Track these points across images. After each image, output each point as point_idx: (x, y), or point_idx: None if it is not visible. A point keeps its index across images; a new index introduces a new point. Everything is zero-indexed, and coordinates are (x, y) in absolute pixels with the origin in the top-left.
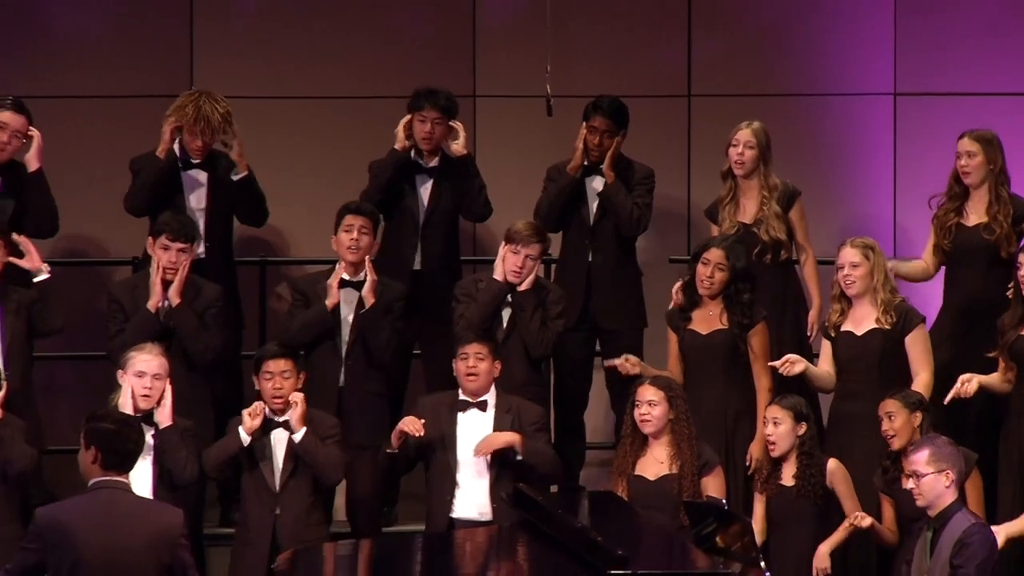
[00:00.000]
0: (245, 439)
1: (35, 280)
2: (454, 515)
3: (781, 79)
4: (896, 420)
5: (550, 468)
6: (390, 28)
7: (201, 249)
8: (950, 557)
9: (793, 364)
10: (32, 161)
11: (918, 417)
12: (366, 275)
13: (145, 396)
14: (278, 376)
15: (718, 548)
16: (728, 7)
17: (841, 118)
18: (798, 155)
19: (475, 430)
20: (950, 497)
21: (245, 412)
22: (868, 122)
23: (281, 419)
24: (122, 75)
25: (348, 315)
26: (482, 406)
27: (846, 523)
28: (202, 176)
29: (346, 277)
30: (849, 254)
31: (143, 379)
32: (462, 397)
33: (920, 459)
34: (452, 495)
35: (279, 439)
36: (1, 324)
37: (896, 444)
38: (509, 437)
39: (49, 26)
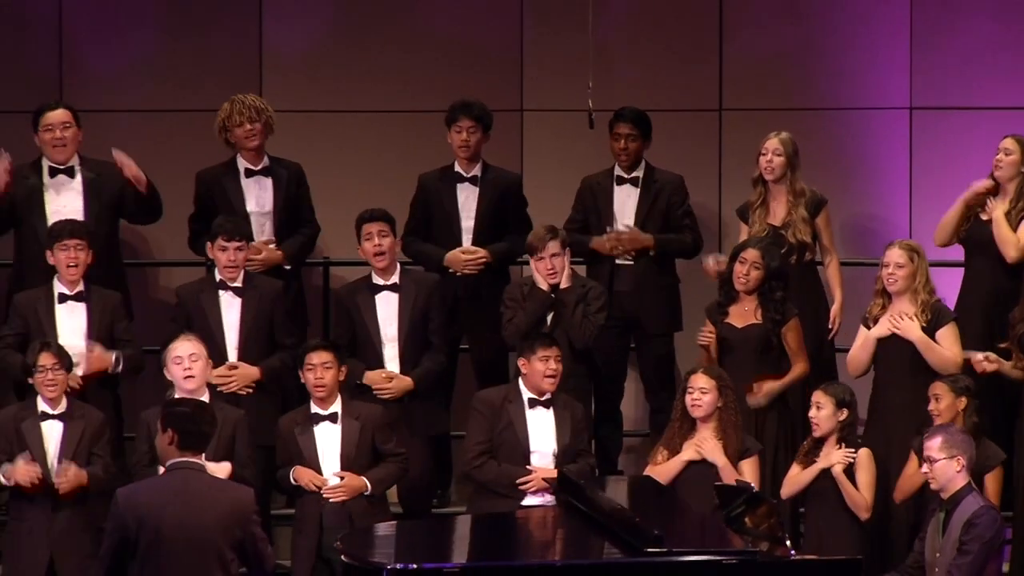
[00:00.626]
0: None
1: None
2: (524, 502)
3: (806, 94)
4: (942, 402)
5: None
6: (442, 46)
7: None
8: (960, 536)
9: (991, 363)
10: (140, 182)
11: (963, 401)
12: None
13: (189, 377)
14: (320, 367)
15: (747, 528)
16: (756, 27)
17: (860, 131)
18: (821, 165)
19: (544, 427)
20: (961, 481)
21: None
22: (886, 135)
23: (327, 412)
24: (194, 90)
25: (392, 314)
26: (547, 404)
27: (824, 462)
28: (265, 182)
29: (380, 282)
30: (895, 255)
31: (181, 364)
32: (529, 395)
33: (934, 445)
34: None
35: (325, 431)
36: (88, 319)
37: (939, 423)
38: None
39: (125, 43)
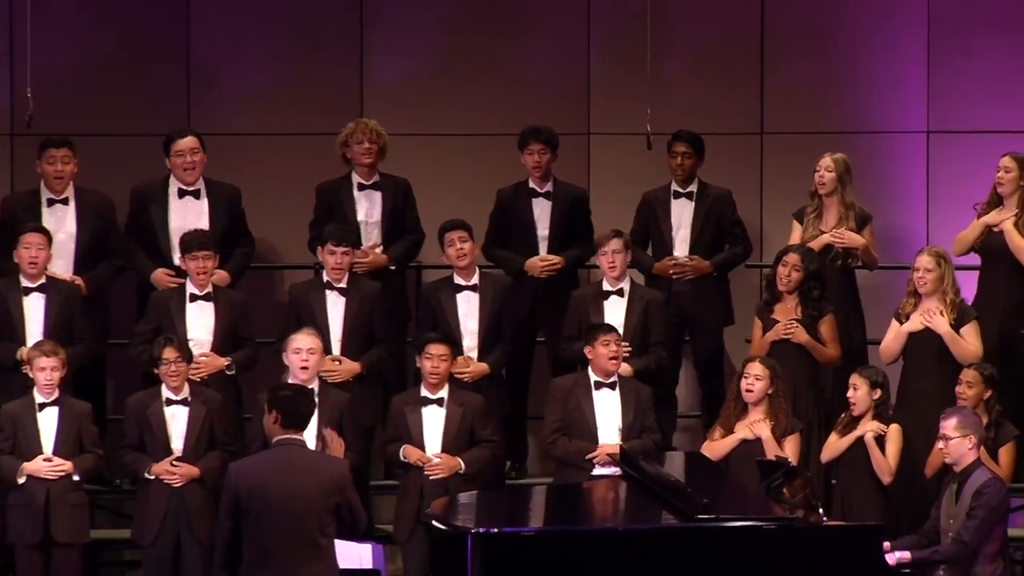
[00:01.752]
0: None
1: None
2: (594, 473)
3: (836, 118)
4: (972, 389)
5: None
6: (519, 78)
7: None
8: (969, 503)
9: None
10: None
11: (989, 391)
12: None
13: (304, 368)
14: (436, 357)
15: (785, 498)
16: (793, 59)
17: (882, 152)
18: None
19: (610, 406)
20: (972, 457)
21: None
22: (904, 155)
23: (435, 396)
24: (304, 115)
25: (472, 310)
26: (613, 386)
27: (858, 432)
28: (375, 195)
29: (461, 283)
30: (924, 260)
31: (299, 355)
32: (596, 378)
33: (949, 425)
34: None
35: (432, 413)
36: (215, 316)
37: (961, 405)
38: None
39: (245, 73)
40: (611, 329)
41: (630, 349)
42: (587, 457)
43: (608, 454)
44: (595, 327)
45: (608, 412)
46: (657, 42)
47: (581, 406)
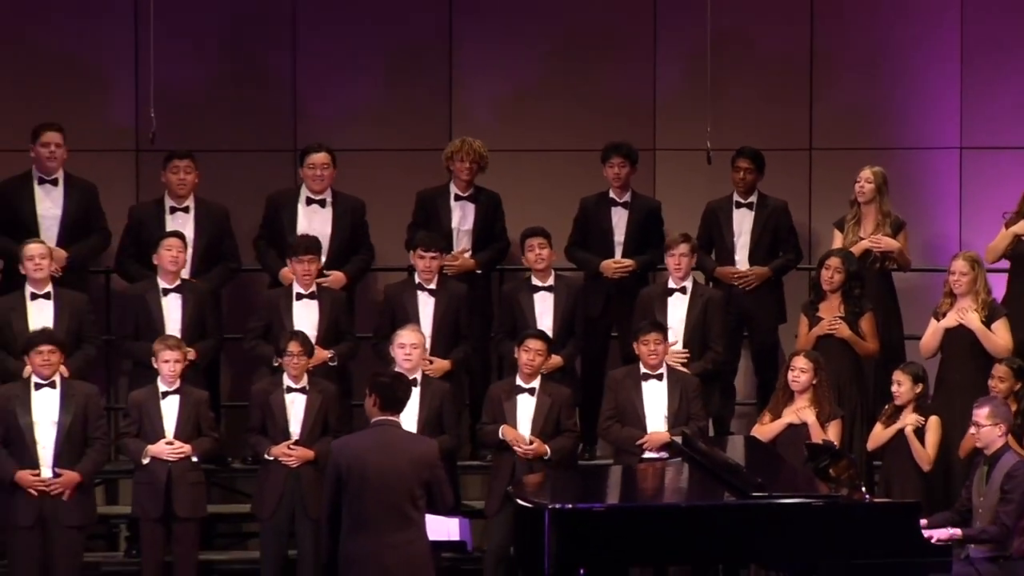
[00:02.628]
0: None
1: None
2: (644, 456)
3: (879, 135)
4: (1004, 382)
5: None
6: (594, 98)
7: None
8: (1001, 484)
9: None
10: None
11: (1019, 384)
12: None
13: (407, 360)
14: (534, 351)
15: (831, 477)
16: (839, 81)
17: (919, 166)
18: (893, 193)
19: (657, 396)
20: (1001, 442)
21: None
22: (938, 171)
23: (528, 386)
24: (397, 132)
25: (548, 308)
26: (660, 377)
27: (899, 425)
28: (469, 206)
29: (539, 284)
30: (960, 264)
31: (404, 349)
32: (644, 371)
33: (982, 414)
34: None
35: (524, 401)
36: (319, 313)
37: (993, 395)
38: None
39: (343, 94)
40: (653, 329)
41: (687, 353)
42: (638, 443)
43: (656, 439)
44: (640, 327)
45: (655, 401)
46: (717, 67)
47: (631, 396)
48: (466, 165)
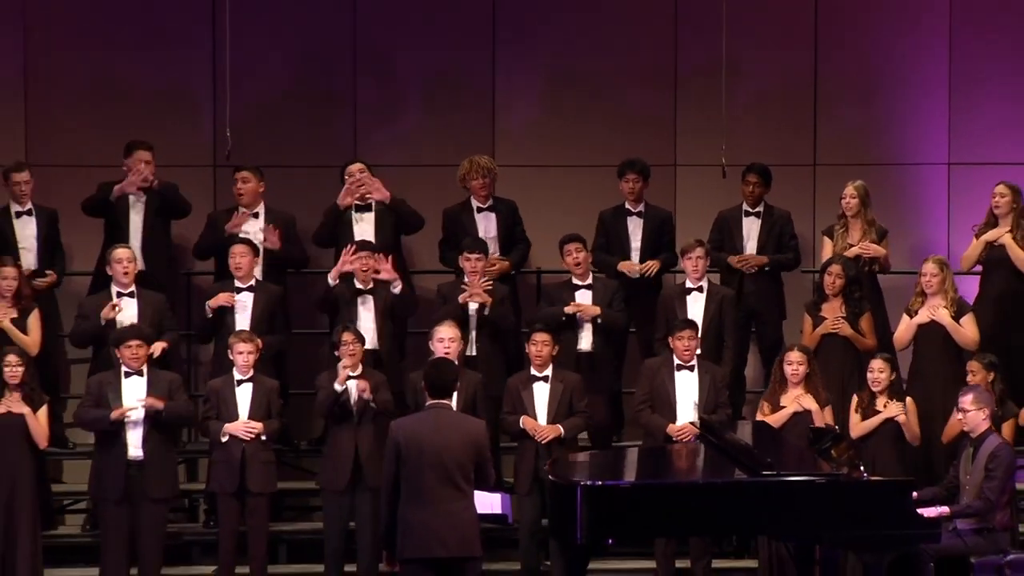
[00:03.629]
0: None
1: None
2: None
3: (876, 151)
4: (976, 376)
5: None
6: (617, 118)
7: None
8: (985, 463)
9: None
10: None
11: (991, 374)
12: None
13: (446, 353)
14: (540, 344)
15: (832, 457)
16: (840, 103)
17: (910, 180)
18: (887, 205)
19: (688, 385)
20: (985, 426)
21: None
22: (928, 184)
23: (541, 375)
24: (442, 149)
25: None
26: (691, 368)
27: (885, 414)
28: (491, 216)
29: (578, 283)
30: (930, 267)
31: (443, 343)
32: (677, 362)
33: (967, 400)
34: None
35: (540, 389)
36: (375, 308)
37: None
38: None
39: (398, 119)
40: (687, 326)
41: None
42: (675, 434)
43: (690, 432)
44: (676, 323)
45: (686, 390)
46: (730, 90)
47: (665, 384)
48: (480, 181)
